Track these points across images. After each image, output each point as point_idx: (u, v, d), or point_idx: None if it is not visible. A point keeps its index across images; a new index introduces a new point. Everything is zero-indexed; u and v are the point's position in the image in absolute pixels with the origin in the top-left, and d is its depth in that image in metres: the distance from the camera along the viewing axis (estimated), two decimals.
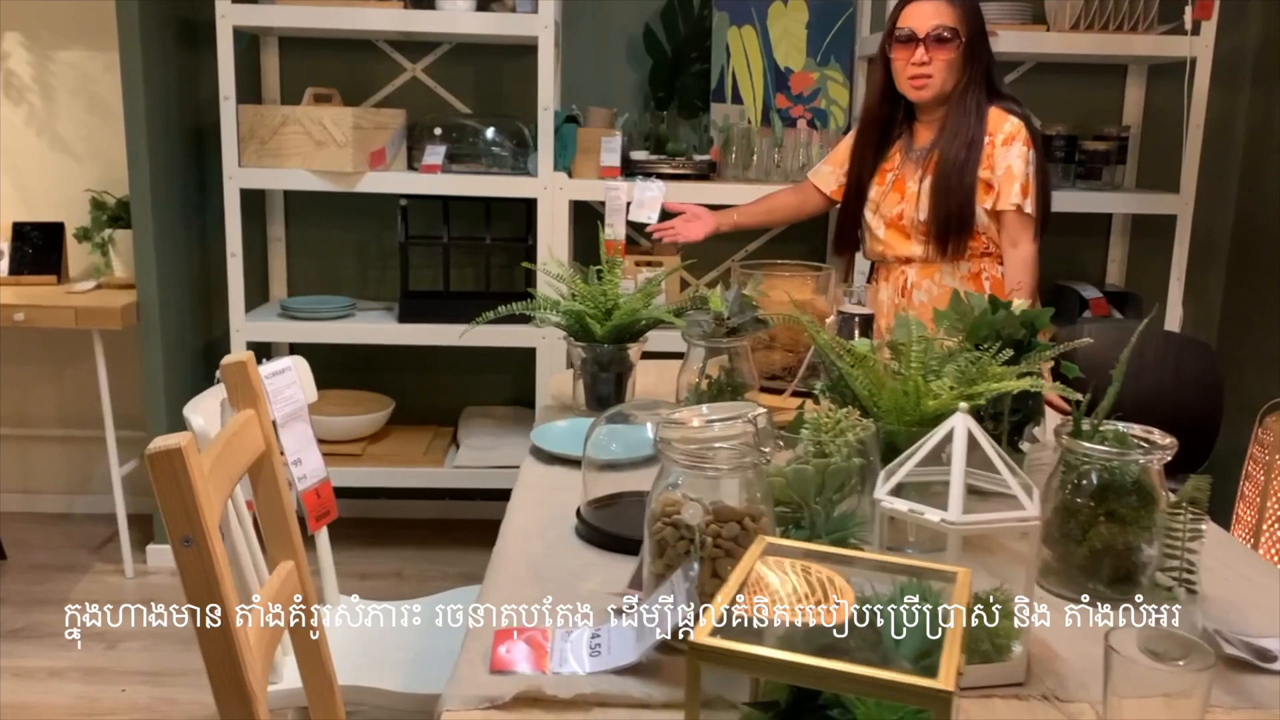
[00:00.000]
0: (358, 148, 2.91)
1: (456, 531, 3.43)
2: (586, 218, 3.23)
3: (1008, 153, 2.29)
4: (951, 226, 2.28)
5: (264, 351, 3.34)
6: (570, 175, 3.03)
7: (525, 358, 3.21)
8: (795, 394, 1.81)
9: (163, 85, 3.02)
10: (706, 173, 3.07)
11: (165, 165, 3.04)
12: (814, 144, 3.10)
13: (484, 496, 3.37)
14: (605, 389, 1.90)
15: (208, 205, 3.30)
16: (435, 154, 3.06)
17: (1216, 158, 3.27)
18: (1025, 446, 1.53)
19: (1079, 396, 1.23)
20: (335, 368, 3.33)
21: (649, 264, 3.12)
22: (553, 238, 3.02)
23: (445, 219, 3.14)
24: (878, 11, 3.25)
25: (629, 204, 2.98)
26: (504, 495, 3.39)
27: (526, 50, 3.25)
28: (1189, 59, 2.92)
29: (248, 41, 3.21)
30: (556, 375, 2.22)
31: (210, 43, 3.10)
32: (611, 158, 3.05)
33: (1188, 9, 2.88)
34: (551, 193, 2.99)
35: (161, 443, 0.99)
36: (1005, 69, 3.30)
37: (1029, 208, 2.28)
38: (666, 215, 2.92)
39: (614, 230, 3.01)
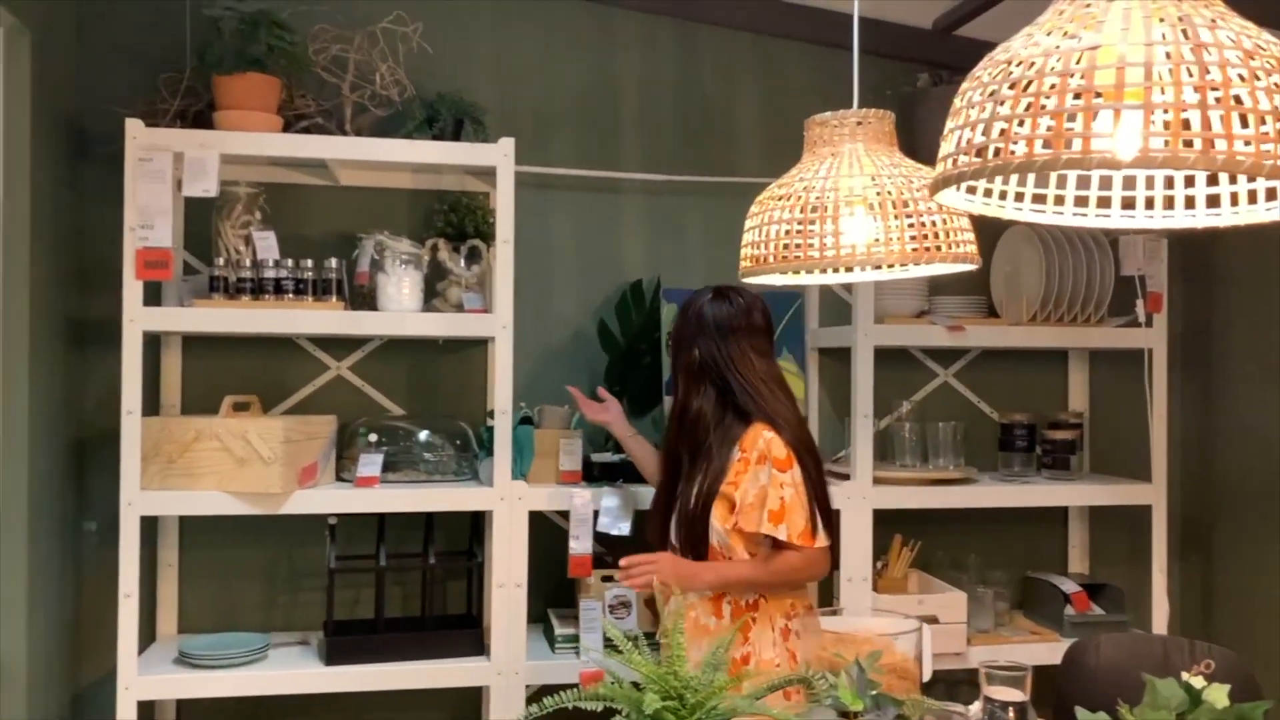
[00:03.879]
0: (286, 464, 2.52)
1: None
2: (538, 527, 2.90)
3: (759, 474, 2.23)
4: (680, 534, 2.30)
5: (146, 711, 2.75)
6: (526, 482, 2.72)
7: (468, 697, 2.80)
8: None
9: (46, 395, 2.57)
10: None
11: (44, 490, 2.55)
12: None
13: None
14: None
15: (84, 532, 2.79)
16: (371, 464, 2.70)
17: None
18: None
19: None
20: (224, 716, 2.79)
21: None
22: (510, 554, 2.66)
23: (380, 537, 2.74)
24: (827, 303, 3.20)
25: (596, 513, 2.70)
26: None
27: (463, 344, 3.00)
28: (1146, 350, 2.95)
29: (145, 341, 2.82)
30: None
31: (100, 343, 2.74)
32: (572, 461, 2.78)
33: (1139, 303, 2.94)
34: (509, 504, 2.66)
35: None
36: (949, 357, 3.28)
37: (782, 535, 2.19)
38: (639, 523, 2.67)
39: (580, 544, 2.71)
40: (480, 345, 3.02)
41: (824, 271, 1.89)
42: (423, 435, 2.83)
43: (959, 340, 2.91)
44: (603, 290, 3.11)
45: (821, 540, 2.22)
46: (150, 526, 2.83)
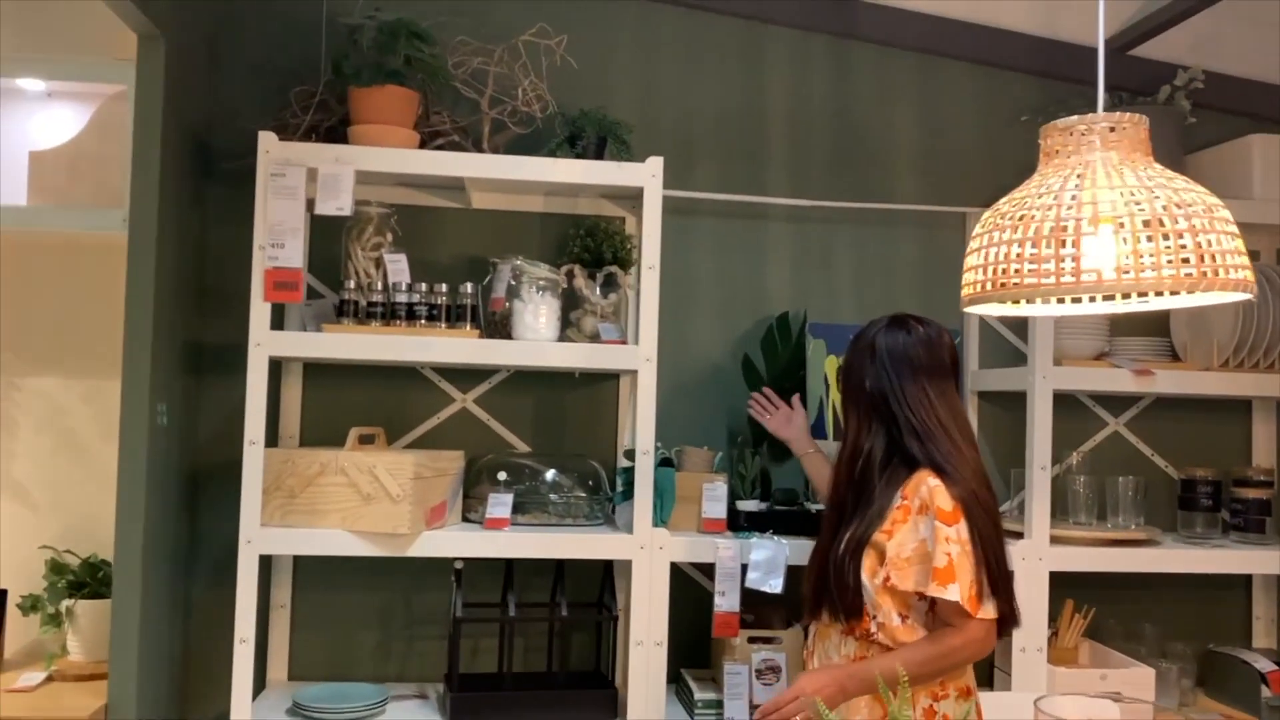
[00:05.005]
0: (415, 502, 2.33)
1: None
2: (676, 579, 2.67)
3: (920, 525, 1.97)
4: (819, 586, 2.05)
5: None
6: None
7: None
8: None
9: (166, 423, 2.42)
10: None
11: (159, 521, 2.40)
12: None
13: None
14: None
15: (195, 568, 2.63)
16: (501, 504, 2.50)
17: None
18: None
19: None
20: None
21: (765, 640, 2.54)
22: (650, 609, 2.43)
23: (508, 584, 2.53)
24: (986, 341, 2.94)
25: (744, 567, 2.46)
26: None
27: (594, 377, 2.80)
28: None
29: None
30: None
31: (217, 369, 2.60)
32: (716, 508, 2.55)
33: None
34: (650, 554, 2.44)
35: None
36: (1119, 404, 3.00)
37: (952, 596, 1.90)
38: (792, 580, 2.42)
39: (727, 601, 2.47)
40: (611, 379, 2.83)
41: (1062, 301, 1.64)
42: (550, 474, 2.63)
43: (1145, 386, 2.64)
44: (745, 323, 2.89)
45: (988, 611, 1.91)
46: (263, 565, 2.66)
